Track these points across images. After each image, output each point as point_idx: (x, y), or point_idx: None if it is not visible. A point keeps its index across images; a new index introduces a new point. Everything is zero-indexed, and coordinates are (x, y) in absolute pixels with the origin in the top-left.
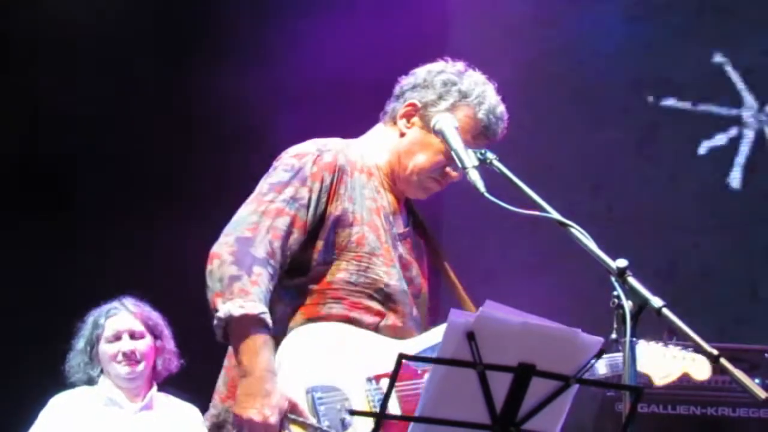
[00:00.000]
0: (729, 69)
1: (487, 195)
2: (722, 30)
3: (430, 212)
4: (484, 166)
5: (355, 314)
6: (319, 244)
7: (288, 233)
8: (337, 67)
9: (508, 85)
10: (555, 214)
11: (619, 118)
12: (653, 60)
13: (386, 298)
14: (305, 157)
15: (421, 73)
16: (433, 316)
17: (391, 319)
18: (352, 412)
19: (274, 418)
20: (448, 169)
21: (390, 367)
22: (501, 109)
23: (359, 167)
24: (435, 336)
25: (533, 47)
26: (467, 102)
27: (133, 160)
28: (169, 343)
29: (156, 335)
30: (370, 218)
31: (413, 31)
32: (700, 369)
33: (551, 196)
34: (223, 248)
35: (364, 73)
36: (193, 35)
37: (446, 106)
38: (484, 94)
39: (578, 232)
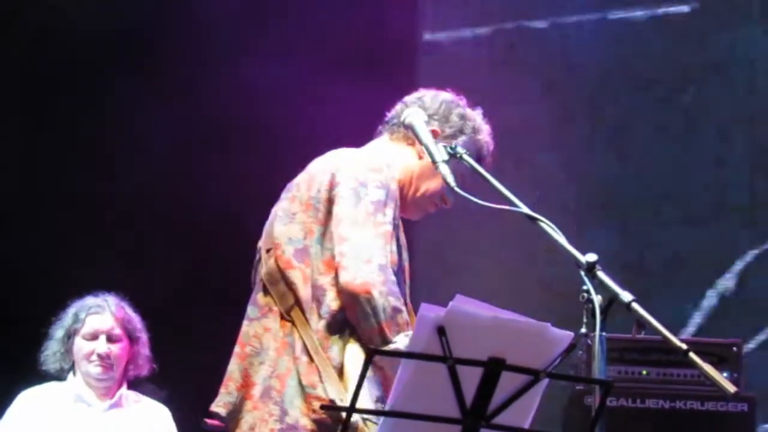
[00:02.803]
0: None
1: (457, 189)
2: (693, 24)
3: None
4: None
5: None
6: None
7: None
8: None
9: (480, 78)
10: (524, 209)
11: (590, 111)
12: (625, 53)
13: (407, 313)
14: (383, 172)
15: (432, 102)
16: None
17: None
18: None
19: None
20: (446, 196)
21: None
22: (491, 141)
23: None
24: None
25: (505, 39)
26: (477, 138)
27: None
28: (144, 349)
29: (132, 339)
30: (400, 235)
31: (382, 20)
32: None
33: (521, 190)
34: (374, 277)
35: (336, 69)
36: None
37: (465, 140)
38: (485, 133)
39: (548, 226)
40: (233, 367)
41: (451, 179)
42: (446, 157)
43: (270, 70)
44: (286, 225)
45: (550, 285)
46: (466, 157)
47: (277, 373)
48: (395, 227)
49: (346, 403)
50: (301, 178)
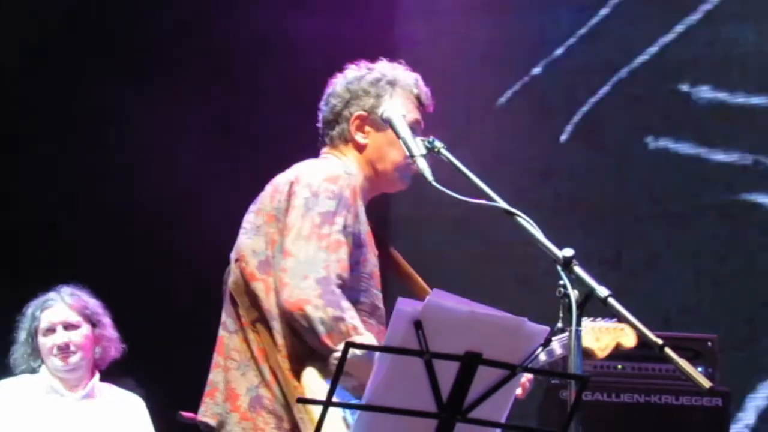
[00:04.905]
0: None
1: (434, 183)
2: (669, 18)
3: (378, 201)
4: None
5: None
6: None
7: (348, 262)
8: (282, 58)
9: (458, 73)
10: (502, 203)
11: (567, 107)
12: (602, 48)
13: (378, 320)
14: (340, 181)
15: (340, 89)
16: None
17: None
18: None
19: None
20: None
21: None
22: (418, 77)
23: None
24: None
25: (483, 36)
26: (399, 86)
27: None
28: (108, 330)
29: (93, 323)
30: (369, 240)
31: (361, 19)
32: (628, 337)
33: (500, 184)
34: (309, 293)
35: (310, 64)
36: None
37: (388, 101)
38: (403, 73)
39: (525, 221)
40: (217, 377)
41: (428, 173)
42: (424, 151)
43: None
44: (251, 238)
45: (526, 280)
46: (444, 151)
47: (265, 382)
48: (353, 234)
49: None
50: (266, 191)
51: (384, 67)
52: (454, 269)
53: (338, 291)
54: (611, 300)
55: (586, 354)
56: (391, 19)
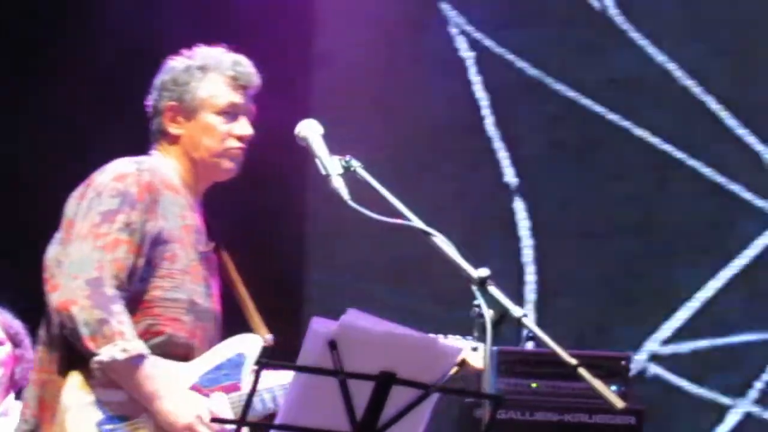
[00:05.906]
0: None
1: (350, 203)
2: (592, 42)
3: (293, 219)
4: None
5: (170, 330)
6: (140, 261)
7: (128, 261)
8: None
9: (378, 88)
10: (418, 223)
11: (487, 123)
12: (522, 66)
13: (196, 316)
14: (128, 179)
15: (156, 82)
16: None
17: (197, 338)
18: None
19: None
20: (234, 130)
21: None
22: (241, 58)
23: (167, 184)
24: (225, 351)
25: (402, 50)
26: (211, 70)
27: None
28: (29, 352)
29: (16, 344)
30: (181, 235)
31: (277, 33)
32: (477, 358)
33: (420, 201)
34: (76, 293)
35: None
36: None
37: (197, 87)
38: (218, 56)
39: (440, 240)
40: (29, 393)
41: (344, 193)
42: (341, 171)
43: None
44: (55, 247)
45: (445, 298)
46: (360, 170)
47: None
48: (142, 232)
49: None
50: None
51: (198, 53)
52: (371, 287)
53: (111, 293)
54: (525, 320)
55: None
56: (311, 26)
